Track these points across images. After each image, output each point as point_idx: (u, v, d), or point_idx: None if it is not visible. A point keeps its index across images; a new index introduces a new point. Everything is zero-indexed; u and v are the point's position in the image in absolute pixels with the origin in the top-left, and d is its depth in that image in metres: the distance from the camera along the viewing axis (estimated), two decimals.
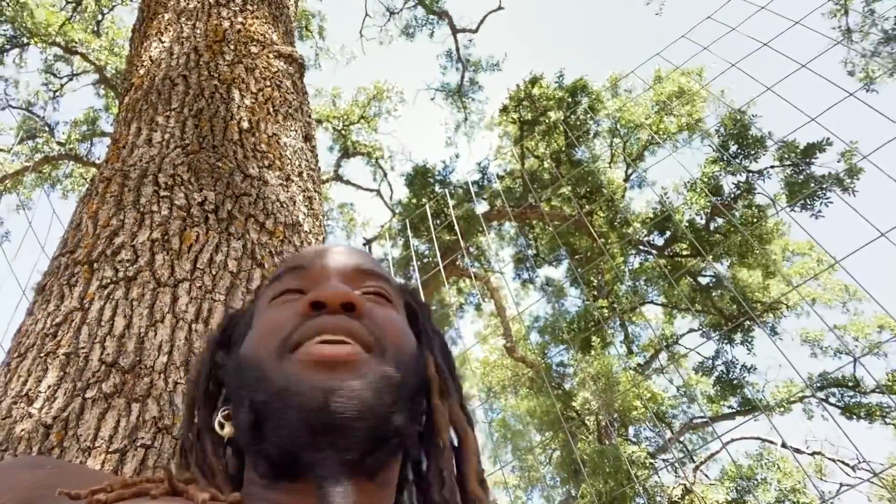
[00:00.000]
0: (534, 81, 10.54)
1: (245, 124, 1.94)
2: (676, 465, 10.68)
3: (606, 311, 10.63)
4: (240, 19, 2.43)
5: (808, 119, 3.02)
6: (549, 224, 10.92)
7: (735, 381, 10.23)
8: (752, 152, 9.12)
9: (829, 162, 10.10)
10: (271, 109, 2.09)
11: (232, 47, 2.25)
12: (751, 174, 9.27)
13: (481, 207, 10.83)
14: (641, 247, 10.94)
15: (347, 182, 13.22)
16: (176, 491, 0.50)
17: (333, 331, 0.54)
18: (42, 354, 1.22)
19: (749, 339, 9.99)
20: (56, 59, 11.17)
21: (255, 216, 1.64)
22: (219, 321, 0.74)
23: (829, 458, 10.71)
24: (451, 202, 9.64)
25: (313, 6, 13.41)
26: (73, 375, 1.17)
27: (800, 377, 9.17)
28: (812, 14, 3.34)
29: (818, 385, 9.72)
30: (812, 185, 8.68)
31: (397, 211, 12.23)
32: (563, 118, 10.14)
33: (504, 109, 10.99)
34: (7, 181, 10.34)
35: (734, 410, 10.75)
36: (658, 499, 9.66)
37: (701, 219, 9.83)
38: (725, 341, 10.27)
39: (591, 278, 11.32)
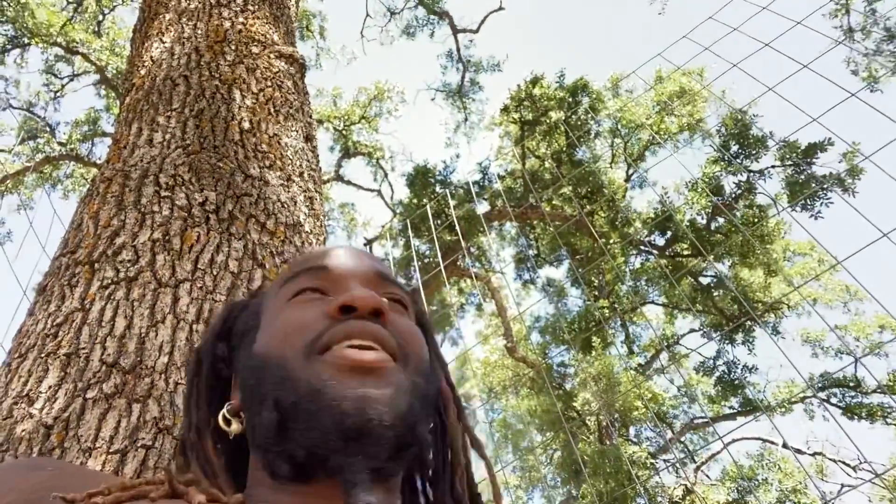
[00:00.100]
0: (535, 81, 10.54)
1: (246, 124, 1.94)
2: (677, 465, 10.67)
3: (607, 311, 10.62)
4: (241, 19, 2.43)
5: (809, 119, 3.02)
6: (550, 224, 10.92)
7: (736, 382, 10.22)
8: (753, 152, 9.12)
9: (831, 162, 10.11)
10: (272, 110, 2.09)
11: (233, 47, 2.25)
12: (752, 174, 9.27)
13: (482, 207, 10.83)
14: (642, 247, 10.94)
15: (348, 182, 13.24)
16: (176, 493, 0.49)
17: (363, 336, 0.54)
18: (43, 355, 1.22)
19: (750, 340, 9.98)
20: (57, 60, 11.19)
21: (256, 216, 1.64)
22: (218, 313, 0.73)
23: (831, 459, 10.70)
24: (451, 202, 9.64)
25: (314, 6, 13.44)
26: (73, 376, 1.17)
27: (801, 377, 9.16)
28: (813, 14, 3.34)
29: (819, 385, 9.72)
30: (813, 185, 8.68)
31: (398, 211, 12.24)
32: (563, 118, 10.14)
33: (505, 109, 10.99)
34: (8, 181, 10.35)
35: (735, 411, 10.75)
36: (659, 499, 9.66)
37: (702, 219, 9.83)
38: (726, 341, 10.27)
39: (592, 278, 11.32)
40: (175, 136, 1.81)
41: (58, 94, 11.32)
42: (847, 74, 10.41)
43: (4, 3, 9.54)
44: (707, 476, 11.08)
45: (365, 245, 12.00)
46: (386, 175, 13.12)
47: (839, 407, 9.64)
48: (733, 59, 3.31)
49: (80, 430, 1.08)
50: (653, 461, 9.25)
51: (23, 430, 1.08)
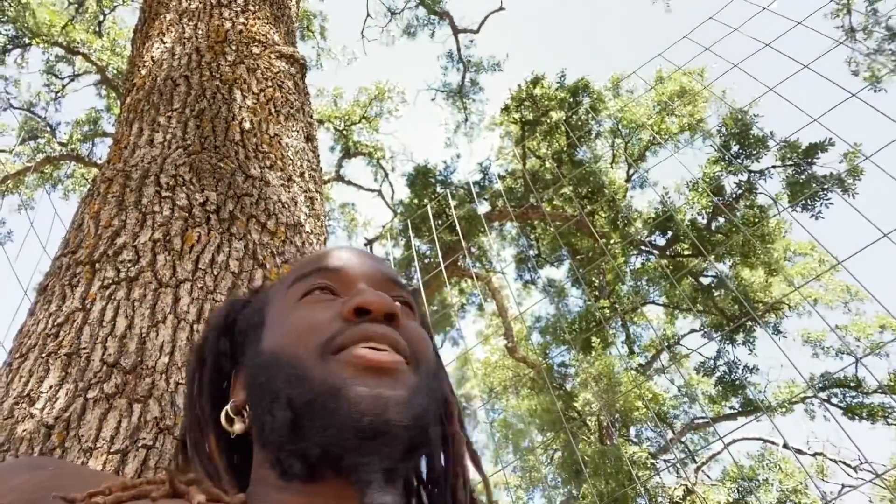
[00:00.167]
0: (535, 81, 10.54)
1: (247, 125, 1.94)
2: (678, 465, 10.67)
3: (608, 311, 10.62)
4: (241, 20, 2.43)
5: (810, 119, 3.02)
6: (551, 224, 10.92)
7: (737, 382, 10.22)
8: (754, 152, 9.12)
9: (831, 162, 10.11)
10: (273, 110, 2.09)
11: (234, 48, 2.25)
12: (752, 174, 9.27)
13: (483, 208, 10.84)
14: (643, 247, 10.94)
15: (349, 182, 13.24)
16: (177, 493, 0.49)
17: (379, 339, 0.55)
18: (44, 355, 1.22)
19: (751, 340, 9.98)
20: (58, 60, 11.19)
21: (257, 217, 1.64)
22: (219, 308, 0.72)
23: (831, 459, 10.69)
24: (452, 202, 9.64)
25: (315, 7, 13.44)
26: (74, 376, 1.17)
27: (801, 377, 9.16)
28: (814, 15, 3.34)
29: (820, 385, 9.71)
30: (814, 185, 8.68)
31: (399, 211, 12.24)
32: (564, 118, 10.14)
33: (506, 109, 10.99)
34: (9, 181, 10.36)
35: (736, 411, 10.75)
36: (660, 499, 9.66)
37: (703, 219, 9.83)
38: (727, 342, 10.27)
39: (593, 278, 11.32)
40: (176, 136, 1.81)
41: (58, 94, 11.33)
42: (848, 75, 10.42)
43: (5, 3, 9.55)
44: (707, 476, 11.08)
45: (365, 245, 12.01)
46: (386, 175, 13.13)
47: (840, 407, 9.63)
48: (734, 60, 3.31)
49: (80, 430, 1.08)
50: (653, 461, 9.25)
51: (24, 430, 1.08)
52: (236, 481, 0.60)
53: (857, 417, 9.34)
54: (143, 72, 2.19)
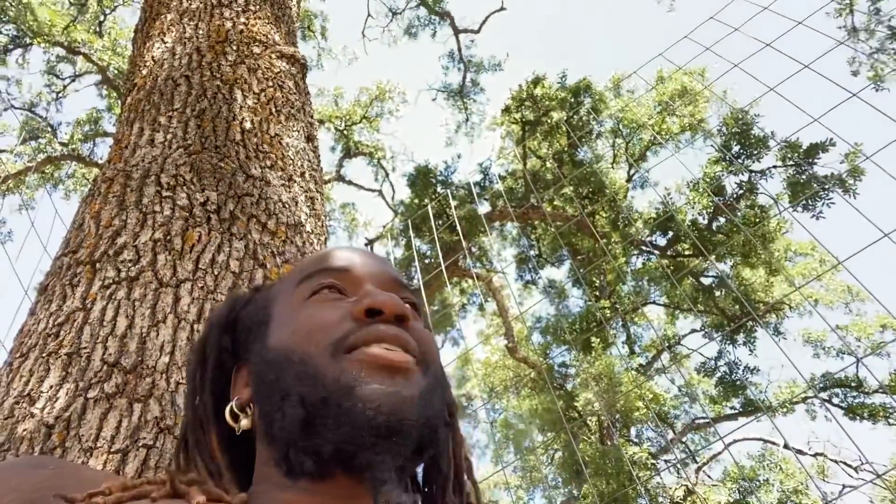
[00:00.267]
0: (536, 82, 10.54)
1: (247, 125, 1.94)
2: (678, 465, 10.67)
3: (608, 311, 10.62)
4: (242, 20, 2.43)
5: (810, 119, 3.02)
6: (552, 224, 10.91)
7: (737, 383, 10.22)
8: (755, 152, 9.12)
9: (832, 162, 10.11)
10: (273, 110, 2.09)
11: (234, 48, 2.25)
12: (753, 174, 9.26)
13: (483, 208, 10.84)
14: (644, 247, 10.93)
15: (349, 182, 13.24)
16: (177, 493, 0.49)
17: (391, 340, 0.55)
18: (44, 354, 1.22)
19: (751, 340, 9.98)
20: (59, 60, 11.20)
21: (258, 217, 1.64)
22: (221, 305, 0.72)
23: (832, 460, 10.69)
24: (453, 202, 9.64)
25: (316, 6, 13.44)
26: (75, 375, 1.17)
27: (802, 378, 9.16)
28: (815, 14, 3.34)
29: (821, 386, 9.71)
30: (814, 185, 8.67)
31: (399, 211, 12.24)
32: (565, 118, 10.14)
33: (506, 110, 10.99)
34: (10, 181, 10.36)
35: (737, 411, 10.74)
36: (660, 500, 9.65)
37: (703, 219, 9.83)
38: (728, 342, 10.26)
39: (594, 279, 11.31)
40: (176, 136, 1.81)
41: (59, 94, 11.34)
42: (848, 74, 10.41)
43: (6, 3, 9.55)
44: (708, 476, 11.07)
45: (366, 245, 12.01)
46: (387, 175, 13.13)
47: (841, 407, 9.63)
48: (735, 60, 3.31)
49: (81, 430, 1.08)
50: (654, 462, 9.24)
51: (24, 430, 1.08)
52: (237, 480, 0.60)
53: (857, 418, 9.34)
54: (144, 72, 2.19)
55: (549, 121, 10.39)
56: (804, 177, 8.92)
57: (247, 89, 2.08)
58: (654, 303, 11.89)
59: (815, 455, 10.85)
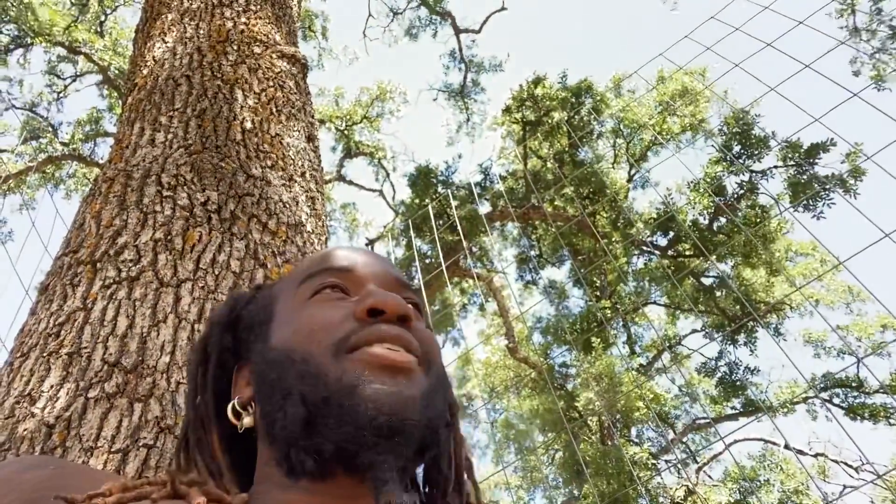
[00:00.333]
0: (537, 82, 10.54)
1: (248, 124, 1.94)
2: (679, 466, 10.66)
3: (609, 311, 10.61)
4: (243, 20, 2.44)
5: (811, 119, 3.02)
6: (552, 225, 10.91)
7: (738, 383, 10.21)
8: (756, 152, 9.11)
9: (833, 162, 10.10)
10: (274, 110, 2.09)
11: (235, 48, 2.25)
12: (754, 174, 9.26)
13: (484, 208, 10.83)
14: (644, 247, 10.93)
15: (350, 182, 13.24)
16: (178, 494, 0.49)
17: (394, 341, 0.55)
18: (45, 354, 1.22)
19: (752, 341, 9.97)
20: (60, 60, 11.21)
21: (258, 216, 1.64)
22: (222, 304, 0.72)
23: (833, 460, 10.68)
24: (453, 202, 9.64)
25: (317, 6, 13.44)
26: (75, 375, 1.17)
27: (803, 378, 9.15)
28: (816, 14, 3.33)
29: (821, 386, 9.71)
30: (815, 185, 8.67)
31: (400, 211, 12.24)
32: (566, 119, 10.14)
33: (507, 110, 10.98)
34: (10, 181, 10.37)
35: (737, 411, 10.74)
36: (661, 500, 9.65)
37: (704, 219, 9.82)
38: (728, 342, 10.26)
39: (594, 279, 11.31)
40: (177, 135, 1.81)
41: (60, 94, 11.34)
42: (850, 74, 10.41)
43: (7, 3, 9.56)
44: (709, 477, 11.07)
45: (367, 245, 12.01)
46: (388, 175, 13.13)
47: (841, 407, 9.63)
48: (735, 59, 3.31)
49: (81, 430, 1.08)
50: (654, 462, 9.24)
51: (25, 429, 1.08)
52: (239, 479, 0.60)
53: (858, 418, 9.34)
54: (145, 71, 2.19)
55: (549, 121, 10.39)
56: (805, 177, 8.92)
57: (247, 89, 2.08)
58: (654, 303, 11.89)
59: (815, 455, 10.84)
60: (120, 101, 9.99)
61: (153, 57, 2.24)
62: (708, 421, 10.91)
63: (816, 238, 3.75)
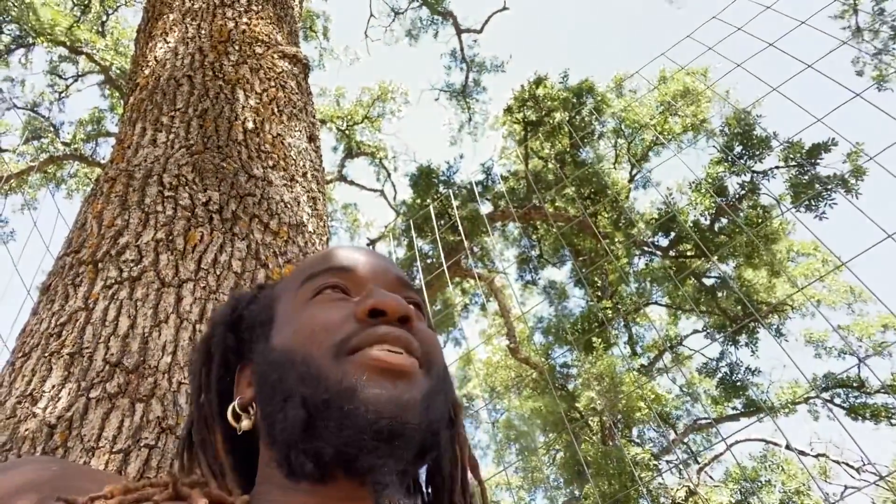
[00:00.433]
0: (538, 82, 10.53)
1: (250, 125, 1.94)
2: (680, 466, 10.66)
3: (610, 311, 10.61)
4: (245, 20, 2.44)
5: (813, 119, 3.01)
6: (553, 225, 10.91)
7: (738, 384, 10.21)
8: (757, 153, 9.10)
9: (835, 162, 10.09)
10: (276, 110, 2.09)
11: (237, 48, 2.25)
12: (755, 175, 9.25)
13: (485, 208, 10.83)
14: (646, 248, 10.92)
15: (351, 182, 13.25)
16: (180, 496, 0.49)
17: (395, 342, 0.55)
18: (46, 354, 1.23)
19: (753, 341, 9.96)
20: (61, 60, 11.22)
21: (260, 216, 1.64)
22: (224, 304, 0.72)
23: (834, 461, 10.67)
24: (455, 203, 9.64)
25: (318, 7, 13.45)
26: (77, 375, 1.17)
27: (804, 378, 9.16)
28: (818, 14, 3.33)
29: (823, 386, 9.70)
30: (817, 185, 8.66)
31: (401, 211, 12.24)
32: (567, 119, 10.13)
33: (508, 110, 10.98)
34: (12, 181, 10.38)
35: (738, 412, 10.73)
36: (662, 500, 9.64)
37: (706, 219, 9.82)
38: (730, 342, 10.25)
39: (596, 279, 11.31)
40: (179, 136, 1.81)
41: (62, 94, 11.35)
42: (851, 74, 10.39)
43: (9, 3, 9.57)
44: (710, 477, 11.06)
45: (368, 245, 12.02)
46: (389, 175, 13.13)
47: (843, 408, 9.62)
48: (737, 59, 3.30)
49: (83, 430, 1.08)
50: (656, 462, 9.24)
51: (26, 430, 1.08)
52: (242, 480, 0.60)
53: (860, 418, 9.33)
54: (147, 71, 2.19)
55: (551, 121, 10.39)
56: (807, 177, 8.91)
57: (249, 89, 2.08)
58: (656, 303, 11.88)
59: (817, 456, 10.83)
60: (121, 101, 10.00)
61: (155, 57, 2.24)
62: (709, 421, 10.91)
63: (818, 238, 3.74)
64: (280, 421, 0.54)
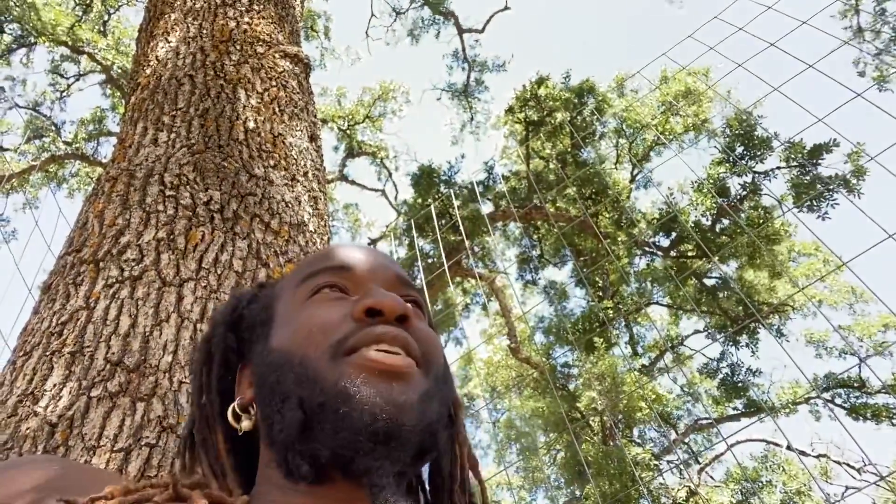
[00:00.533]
0: (540, 82, 10.53)
1: (251, 124, 1.94)
2: (681, 466, 10.65)
3: (611, 311, 10.61)
4: (246, 19, 2.44)
5: (815, 120, 3.01)
6: (555, 225, 10.91)
7: (739, 384, 10.20)
8: (759, 153, 9.10)
9: (836, 163, 10.08)
10: (277, 109, 2.09)
11: (238, 47, 2.25)
12: (757, 175, 9.24)
13: (486, 208, 10.83)
14: (647, 248, 10.92)
15: (352, 182, 13.25)
16: (180, 496, 0.49)
17: (392, 342, 0.54)
18: (48, 353, 1.23)
19: (754, 342, 9.96)
20: (63, 59, 11.23)
21: (261, 216, 1.64)
22: (225, 303, 0.71)
23: (835, 461, 10.66)
24: (456, 202, 9.63)
25: (319, 6, 13.44)
26: (78, 374, 1.17)
27: (805, 378, 9.14)
28: (820, 14, 3.33)
29: (824, 386, 9.69)
30: (818, 186, 8.65)
31: (402, 211, 12.24)
32: (569, 119, 10.13)
33: (510, 110, 10.98)
34: (14, 180, 10.39)
35: (739, 412, 10.73)
36: (663, 500, 9.64)
37: (707, 220, 9.81)
38: (731, 343, 10.25)
39: (597, 279, 11.31)
40: (180, 135, 1.81)
41: (63, 93, 11.36)
42: (853, 74, 10.38)
43: (10, 2, 9.58)
44: (711, 477, 11.06)
45: (369, 245, 12.01)
46: (390, 175, 13.13)
47: (844, 408, 9.61)
48: (739, 59, 3.30)
49: (84, 429, 1.08)
50: (656, 462, 9.23)
51: (27, 428, 1.08)
52: (243, 480, 0.60)
53: (861, 418, 9.32)
54: (148, 71, 2.19)
55: (552, 121, 10.39)
56: (808, 177, 8.90)
57: (250, 89, 2.08)
58: (657, 303, 11.87)
59: (818, 456, 10.82)
60: (123, 101, 9.99)
61: (156, 56, 2.24)
62: (710, 421, 10.90)
63: (820, 239, 3.74)
64: (278, 422, 0.54)
